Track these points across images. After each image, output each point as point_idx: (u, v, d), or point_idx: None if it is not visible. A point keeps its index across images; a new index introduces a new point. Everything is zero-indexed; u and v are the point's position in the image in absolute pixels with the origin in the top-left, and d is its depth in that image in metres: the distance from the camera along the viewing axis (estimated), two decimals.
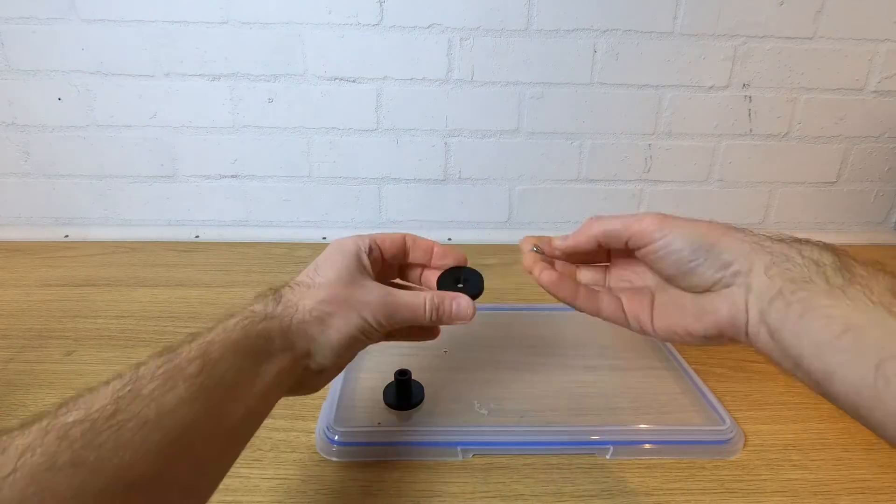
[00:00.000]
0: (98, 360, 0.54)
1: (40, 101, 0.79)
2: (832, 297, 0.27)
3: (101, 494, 0.21)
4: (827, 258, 0.29)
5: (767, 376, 0.53)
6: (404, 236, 0.42)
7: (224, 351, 0.28)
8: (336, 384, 0.48)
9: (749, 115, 0.84)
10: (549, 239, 0.40)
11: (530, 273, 0.38)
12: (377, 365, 0.53)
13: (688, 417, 0.47)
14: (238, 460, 0.41)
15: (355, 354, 0.36)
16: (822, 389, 0.27)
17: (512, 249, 0.86)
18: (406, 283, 0.43)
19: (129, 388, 0.24)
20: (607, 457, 0.43)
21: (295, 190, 0.86)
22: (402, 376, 0.46)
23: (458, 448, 0.43)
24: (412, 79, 0.80)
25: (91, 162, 0.83)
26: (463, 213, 0.89)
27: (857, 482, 0.41)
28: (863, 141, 0.86)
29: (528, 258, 0.39)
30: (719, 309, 0.31)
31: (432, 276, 0.41)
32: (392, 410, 0.46)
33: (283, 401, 0.49)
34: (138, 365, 0.26)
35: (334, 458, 0.42)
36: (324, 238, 0.86)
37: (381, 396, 0.48)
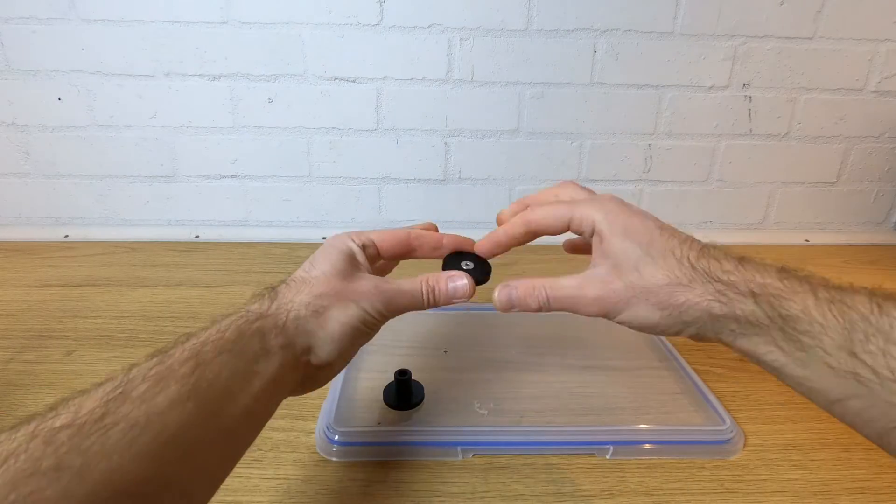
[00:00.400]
0: (98, 360, 0.54)
1: (40, 101, 0.79)
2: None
3: (87, 499, 0.21)
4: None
5: (767, 376, 0.52)
6: (408, 233, 0.40)
7: (218, 351, 0.28)
8: (336, 384, 0.48)
9: (749, 115, 0.84)
10: (470, 244, 0.41)
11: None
12: (377, 365, 0.52)
13: (688, 417, 0.47)
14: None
15: (360, 346, 0.35)
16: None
17: (512, 249, 0.86)
18: None
19: (119, 390, 0.24)
20: (607, 457, 0.43)
21: (295, 190, 0.86)
22: (402, 376, 0.46)
23: (458, 448, 0.43)
24: (412, 79, 0.80)
25: (91, 162, 0.83)
26: (463, 213, 0.89)
27: (857, 482, 0.41)
28: (863, 141, 0.86)
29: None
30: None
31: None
32: (392, 410, 0.46)
33: (284, 401, 0.49)
34: (131, 367, 0.26)
35: (334, 458, 0.42)
36: (324, 238, 0.86)
37: (381, 396, 0.48)
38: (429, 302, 0.36)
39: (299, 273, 0.35)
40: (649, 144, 0.85)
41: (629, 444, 0.43)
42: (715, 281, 0.29)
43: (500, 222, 0.40)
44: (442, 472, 0.41)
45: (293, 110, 0.81)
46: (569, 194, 0.37)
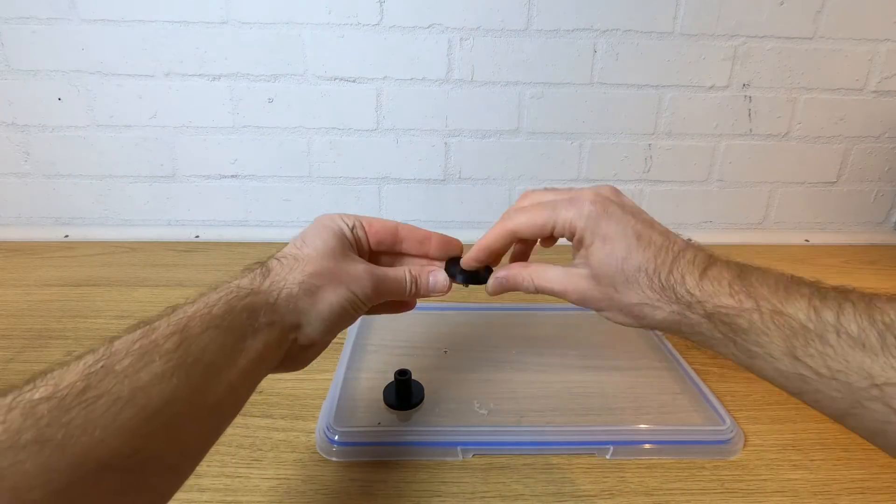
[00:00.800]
0: None
1: (40, 101, 0.79)
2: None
3: (70, 471, 0.20)
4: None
5: None
6: (397, 225, 0.40)
7: (205, 326, 0.27)
8: (336, 384, 0.48)
9: (749, 115, 0.84)
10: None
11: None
12: (377, 365, 0.53)
13: (688, 417, 0.47)
14: (238, 460, 0.41)
15: (343, 328, 0.36)
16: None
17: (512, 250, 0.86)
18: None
19: (101, 363, 0.24)
20: (607, 457, 0.43)
21: (295, 190, 0.86)
22: (402, 376, 0.46)
23: (458, 448, 0.43)
24: (412, 79, 0.80)
25: (91, 162, 0.83)
26: (463, 213, 0.89)
27: (857, 482, 0.41)
28: (863, 141, 0.86)
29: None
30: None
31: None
32: (392, 410, 0.46)
33: (284, 400, 0.49)
34: (112, 339, 0.25)
35: (334, 458, 0.42)
36: None
37: (381, 396, 0.48)
38: (411, 291, 0.38)
39: (290, 249, 0.35)
40: (649, 144, 0.85)
41: (629, 444, 0.43)
42: (677, 301, 0.31)
43: None
44: (442, 472, 0.41)
45: (293, 110, 0.81)
46: (550, 196, 0.37)
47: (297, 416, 0.46)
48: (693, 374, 0.51)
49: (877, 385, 0.24)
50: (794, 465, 0.42)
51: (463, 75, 0.80)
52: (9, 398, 0.21)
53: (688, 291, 0.30)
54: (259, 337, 0.30)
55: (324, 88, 0.80)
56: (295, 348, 0.33)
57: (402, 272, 0.37)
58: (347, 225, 0.37)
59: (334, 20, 0.76)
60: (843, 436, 0.45)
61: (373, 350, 0.55)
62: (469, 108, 0.82)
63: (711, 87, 0.82)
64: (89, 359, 0.24)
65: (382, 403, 0.47)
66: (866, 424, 0.25)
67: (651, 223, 0.34)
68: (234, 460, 0.42)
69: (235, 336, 0.29)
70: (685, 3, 0.77)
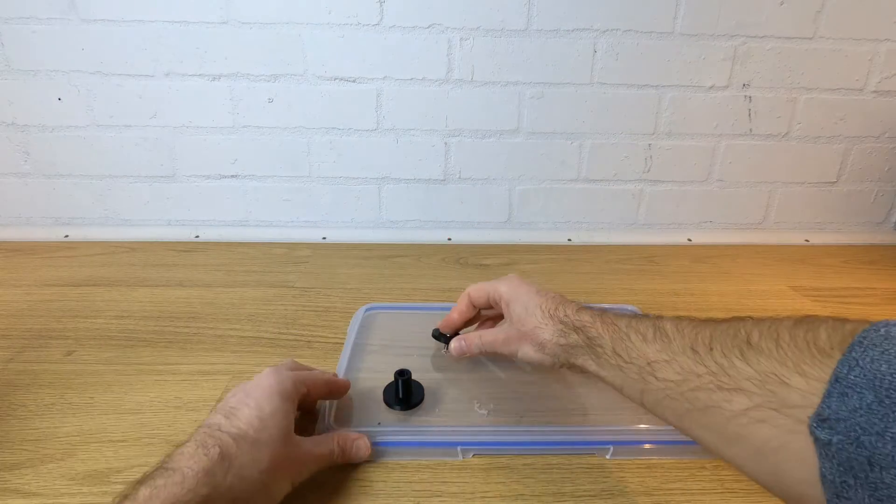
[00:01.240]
0: (98, 360, 0.54)
1: (40, 101, 0.79)
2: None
3: None
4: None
5: None
6: (325, 381, 0.45)
7: None
8: None
9: (749, 115, 0.84)
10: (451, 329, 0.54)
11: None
12: (377, 365, 0.53)
13: None
14: None
15: None
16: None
17: (512, 249, 0.86)
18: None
19: None
20: (607, 457, 0.43)
21: (295, 190, 0.86)
22: (402, 376, 0.46)
23: (458, 448, 0.43)
24: (412, 79, 0.80)
25: (91, 162, 0.83)
26: (463, 213, 0.89)
27: None
28: (863, 141, 0.86)
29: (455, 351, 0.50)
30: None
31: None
32: (392, 410, 0.46)
33: None
34: None
35: None
36: (324, 238, 0.86)
37: (381, 396, 0.48)
38: (337, 461, 0.41)
39: (248, 427, 0.35)
40: (649, 144, 0.85)
41: (629, 444, 0.43)
42: (558, 322, 0.42)
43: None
44: (442, 472, 0.41)
45: (293, 110, 0.81)
46: (493, 283, 0.50)
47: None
48: None
49: (650, 363, 0.34)
50: None
51: (463, 75, 0.80)
52: None
53: (565, 315, 0.42)
54: None
55: (324, 88, 0.80)
56: None
57: (332, 446, 0.40)
58: (297, 392, 0.40)
59: (334, 20, 0.76)
60: None
61: (373, 350, 0.55)
62: (469, 108, 0.82)
63: (711, 87, 0.82)
64: None
65: (382, 403, 0.47)
66: (652, 397, 0.34)
67: (547, 291, 0.47)
68: None
69: None
70: (685, 3, 0.77)
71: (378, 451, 0.43)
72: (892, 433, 0.22)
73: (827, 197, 0.90)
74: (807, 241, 0.90)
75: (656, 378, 0.33)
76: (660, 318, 0.36)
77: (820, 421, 0.24)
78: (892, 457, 0.22)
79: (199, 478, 0.31)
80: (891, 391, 0.22)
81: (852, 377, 0.24)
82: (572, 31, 0.78)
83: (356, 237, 0.87)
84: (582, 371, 0.41)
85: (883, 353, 0.23)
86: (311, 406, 0.46)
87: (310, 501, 0.39)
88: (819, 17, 0.78)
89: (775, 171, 0.88)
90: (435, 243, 0.86)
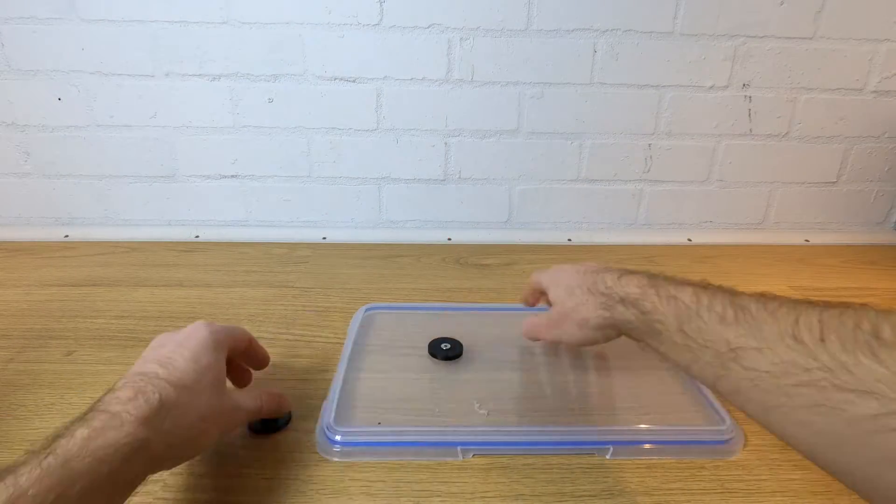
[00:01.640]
0: (98, 360, 0.54)
1: (40, 101, 0.79)
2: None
3: None
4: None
5: None
6: (249, 339, 0.44)
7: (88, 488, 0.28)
8: (336, 384, 0.48)
9: (749, 115, 0.84)
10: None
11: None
12: (377, 365, 0.53)
13: (688, 417, 0.47)
14: (238, 460, 0.41)
15: None
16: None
17: (512, 249, 0.86)
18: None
19: None
20: (607, 457, 0.43)
21: (295, 190, 0.86)
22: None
23: (458, 448, 0.43)
24: (412, 79, 0.80)
25: (91, 162, 0.83)
26: (463, 213, 0.89)
27: None
28: (863, 141, 0.86)
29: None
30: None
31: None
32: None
33: None
34: None
35: (334, 458, 0.42)
36: (324, 238, 0.86)
37: (382, 395, 0.48)
38: (265, 413, 0.43)
39: (186, 379, 0.35)
40: (649, 144, 0.85)
41: (629, 444, 0.43)
42: (599, 294, 0.41)
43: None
44: (442, 472, 0.41)
45: (293, 110, 0.81)
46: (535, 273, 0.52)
47: (297, 416, 0.46)
48: None
49: (732, 349, 0.30)
50: (794, 465, 0.42)
51: (463, 75, 0.80)
52: None
53: (606, 287, 0.41)
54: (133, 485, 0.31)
55: (324, 88, 0.80)
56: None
57: (259, 401, 0.42)
58: (227, 347, 0.41)
59: (334, 20, 0.76)
60: None
61: (373, 350, 0.55)
62: (469, 107, 0.82)
63: (711, 87, 0.82)
64: None
65: (383, 402, 0.47)
66: (731, 385, 0.30)
67: (590, 265, 0.46)
68: (234, 460, 0.42)
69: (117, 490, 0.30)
70: (685, 3, 0.77)
71: (378, 451, 0.43)
72: None
73: (827, 197, 0.90)
74: (807, 241, 0.90)
75: (742, 367, 0.29)
76: (733, 292, 0.33)
77: None
78: None
79: (138, 423, 0.31)
80: None
81: None
82: (572, 31, 0.78)
83: (356, 237, 0.87)
84: (642, 344, 0.39)
85: None
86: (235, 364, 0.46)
87: (310, 500, 0.39)
88: (819, 17, 0.78)
89: (775, 171, 0.88)
90: (435, 243, 0.86)
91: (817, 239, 0.90)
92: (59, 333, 0.58)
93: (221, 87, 0.79)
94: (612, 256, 0.82)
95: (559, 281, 0.46)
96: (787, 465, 0.42)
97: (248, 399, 0.41)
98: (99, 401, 0.32)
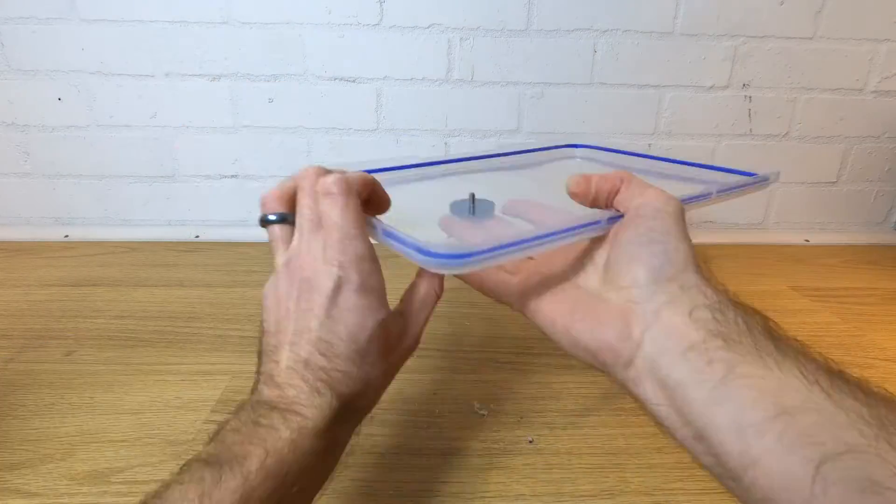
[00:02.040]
0: (98, 360, 0.54)
1: (40, 101, 0.79)
2: (763, 367, 0.23)
3: None
4: (757, 320, 0.26)
5: None
6: (374, 181, 0.33)
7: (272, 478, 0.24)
8: None
9: (749, 115, 0.84)
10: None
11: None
12: None
13: None
14: None
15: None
16: (729, 472, 0.23)
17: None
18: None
19: None
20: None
21: None
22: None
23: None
24: (412, 79, 0.80)
25: (91, 162, 0.83)
26: None
27: None
28: (863, 141, 0.86)
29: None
30: (608, 322, 0.28)
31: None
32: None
33: None
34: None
35: None
36: None
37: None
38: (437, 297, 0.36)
39: (350, 370, 0.29)
40: (649, 144, 0.85)
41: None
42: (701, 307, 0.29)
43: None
44: (442, 471, 0.41)
45: (293, 110, 0.81)
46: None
47: None
48: None
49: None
50: None
51: (463, 75, 0.80)
52: None
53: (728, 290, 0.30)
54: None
55: (324, 88, 0.80)
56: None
57: (429, 293, 0.36)
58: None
59: (334, 20, 0.76)
60: None
61: None
62: (469, 108, 0.82)
63: (711, 87, 0.82)
64: None
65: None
66: None
67: (684, 228, 0.35)
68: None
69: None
70: (685, 3, 0.77)
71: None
72: None
73: (827, 197, 0.90)
74: (807, 241, 0.90)
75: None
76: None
77: None
78: None
79: (324, 431, 0.27)
80: None
81: None
82: (572, 31, 0.78)
83: None
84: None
85: None
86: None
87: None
88: (819, 17, 0.78)
89: (775, 171, 0.88)
90: None
91: (817, 239, 0.90)
92: (58, 333, 0.58)
93: (221, 86, 0.79)
94: None
95: (654, 227, 0.31)
96: None
97: (419, 313, 0.34)
98: (280, 392, 0.27)
